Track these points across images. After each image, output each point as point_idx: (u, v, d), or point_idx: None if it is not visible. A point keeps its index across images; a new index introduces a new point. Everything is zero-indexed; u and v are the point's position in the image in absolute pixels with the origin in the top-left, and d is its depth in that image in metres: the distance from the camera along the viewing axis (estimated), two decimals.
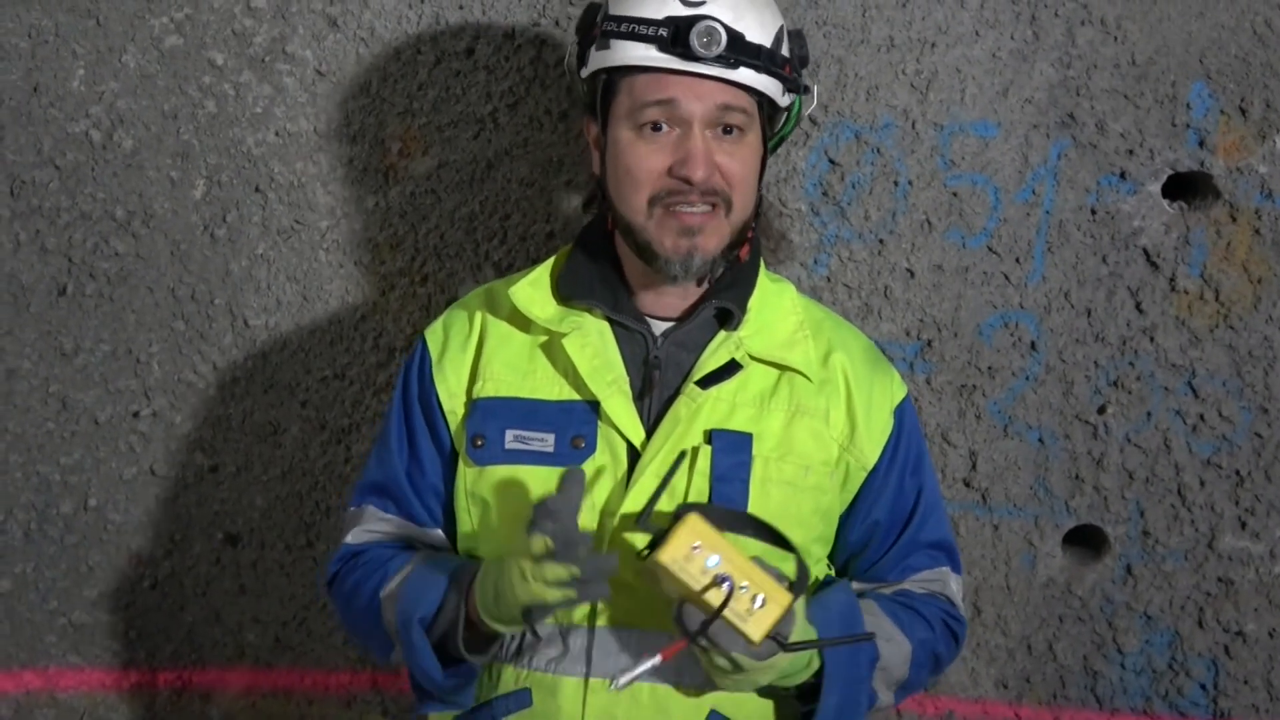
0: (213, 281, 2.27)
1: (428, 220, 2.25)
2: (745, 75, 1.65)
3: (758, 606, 1.48)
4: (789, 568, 1.61)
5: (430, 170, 2.24)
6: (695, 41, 1.61)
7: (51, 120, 2.22)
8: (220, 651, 2.36)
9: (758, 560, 1.53)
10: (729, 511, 1.63)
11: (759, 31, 1.66)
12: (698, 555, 1.49)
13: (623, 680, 1.52)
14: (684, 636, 1.52)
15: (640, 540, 1.58)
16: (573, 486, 1.52)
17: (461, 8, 2.21)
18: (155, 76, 2.22)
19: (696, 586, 1.49)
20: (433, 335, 1.80)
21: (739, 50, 1.63)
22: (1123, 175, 2.22)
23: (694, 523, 1.50)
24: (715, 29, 1.62)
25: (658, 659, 1.52)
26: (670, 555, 1.49)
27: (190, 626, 2.35)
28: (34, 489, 2.31)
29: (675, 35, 1.62)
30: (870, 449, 1.76)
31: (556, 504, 1.50)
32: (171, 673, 2.36)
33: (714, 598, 1.48)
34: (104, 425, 2.30)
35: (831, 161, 2.22)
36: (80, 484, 2.32)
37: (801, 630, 1.57)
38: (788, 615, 1.52)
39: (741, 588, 1.48)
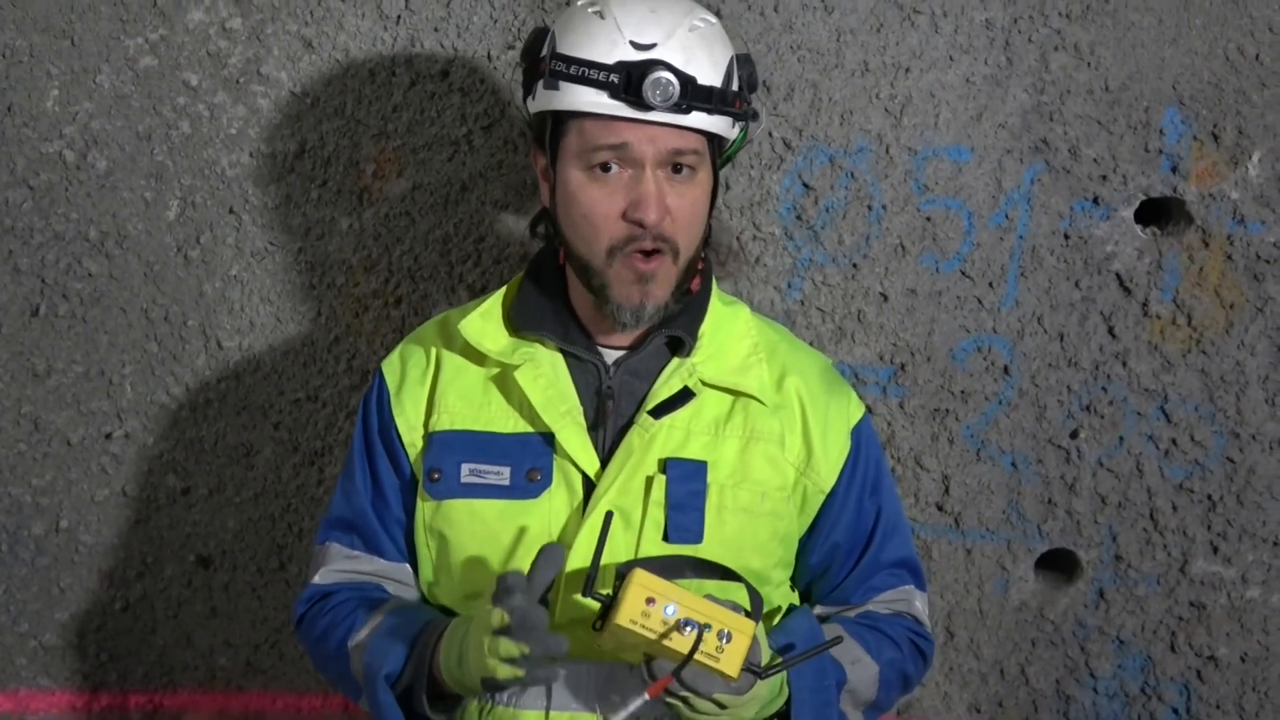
0: (186, 303, 2.26)
1: (402, 242, 2.25)
2: (697, 119, 1.63)
3: (725, 642, 1.48)
4: (741, 598, 1.60)
5: (405, 192, 2.24)
6: (648, 93, 1.59)
7: (25, 140, 2.22)
8: (192, 674, 2.34)
9: (710, 598, 1.52)
10: (668, 559, 1.62)
11: (711, 72, 1.64)
12: (653, 609, 1.47)
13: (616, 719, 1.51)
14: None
15: (590, 606, 1.55)
16: (548, 566, 1.52)
17: (437, 30, 2.21)
18: (130, 97, 2.21)
19: (661, 639, 1.48)
20: (389, 368, 1.80)
21: (691, 96, 1.61)
22: (1096, 200, 2.23)
23: (641, 578, 1.49)
24: (668, 81, 1.60)
25: (645, 696, 1.50)
26: (627, 615, 1.47)
27: (161, 649, 2.34)
28: (5, 510, 2.30)
29: (627, 83, 1.60)
30: (827, 472, 1.75)
31: (519, 581, 1.50)
32: (143, 695, 2.34)
33: (680, 644, 1.47)
34: (76, 447, 2.29)
35: (805, 185, 2.22)
36: (52, 506, 2.31)
37: (768, 655, 1.57)
38: (755, 643, 1.52)
39: (705, 628, 1.48)
